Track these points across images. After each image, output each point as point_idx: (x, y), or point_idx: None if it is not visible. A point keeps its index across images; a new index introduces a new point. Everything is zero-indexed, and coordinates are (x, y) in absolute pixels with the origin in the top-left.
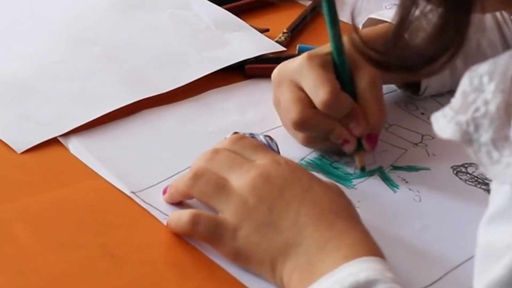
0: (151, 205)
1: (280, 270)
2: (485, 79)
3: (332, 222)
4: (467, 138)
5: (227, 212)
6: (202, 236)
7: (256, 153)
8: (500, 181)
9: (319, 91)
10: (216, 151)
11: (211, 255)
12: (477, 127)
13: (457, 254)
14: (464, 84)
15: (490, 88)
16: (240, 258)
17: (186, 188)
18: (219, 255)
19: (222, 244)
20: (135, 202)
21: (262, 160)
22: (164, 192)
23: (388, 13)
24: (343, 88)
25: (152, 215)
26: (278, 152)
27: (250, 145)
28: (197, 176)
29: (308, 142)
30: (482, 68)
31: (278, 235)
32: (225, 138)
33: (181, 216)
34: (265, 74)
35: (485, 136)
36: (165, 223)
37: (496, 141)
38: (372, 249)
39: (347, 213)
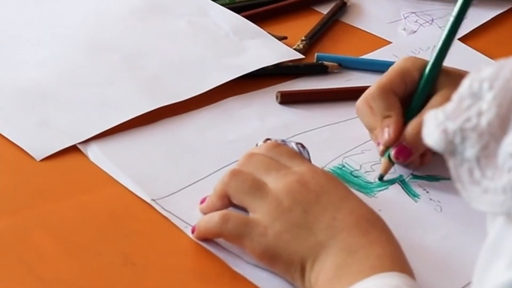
0: (171, 213)
1: (309, 271)
2: (485, 85)
3: (367, 231)
4: (451, 149)
5: (260, 211)
6: (231, 234)
7: (292, 160)
8: (474, 205)
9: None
10: (251, 155)
11: (232, 264)
12: (463, 139)
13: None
14: (464, 86)
15: (488, 97)
16: (268, 255)
17: (222, 185)
18: (240, 264)
19: (250, 240)
20: (155, 209)
21: (299, 168)
22: (202, 202)
23: None
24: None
25: (173, 223)
26: (310, 160)
27: (286, 152)
28: (234, 173)
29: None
30: (486, 72)
31: (311, 236)
32: (257, 144)
33: (212, 217)
34: (299, 100)
35: (470, 151)
36: (186, 231)
37: (480, 159)
38: (398, 263)
39: (382, 225)
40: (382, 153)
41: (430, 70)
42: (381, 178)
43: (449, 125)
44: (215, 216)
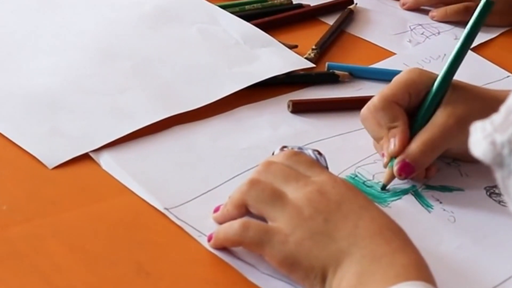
0: (184, 222)
1: (330, 279)
2: None
3: (389, 239)
4: (499, 161)
5: (280, 220)
6: (251, 242)
7: (311, 169)
8: None
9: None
10: (269, 164)
11: (247, 274)
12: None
13: (494, 274)
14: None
15: None
16: (288, 262)
17: (241, 194)
18: (255, 273)
19: (271, 248)
20: (168, 218)
21: (318, 177)
22: (215, 211)
23: None
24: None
25: (186, 232)
26: (327, 167)
27: (304, 161)
28: (253, 183)
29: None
30: None
31: (332, 244)
32: (273, 152)
33: (231, 225)
34: (311, 109)
35: None
36: (199, 240)
37: None
38: (423, 273)
39: (403, 234)
40: (386, 165)
41: (439, 85)
42: (383, 187)
43: (497, 137)
44: (235, 224)
